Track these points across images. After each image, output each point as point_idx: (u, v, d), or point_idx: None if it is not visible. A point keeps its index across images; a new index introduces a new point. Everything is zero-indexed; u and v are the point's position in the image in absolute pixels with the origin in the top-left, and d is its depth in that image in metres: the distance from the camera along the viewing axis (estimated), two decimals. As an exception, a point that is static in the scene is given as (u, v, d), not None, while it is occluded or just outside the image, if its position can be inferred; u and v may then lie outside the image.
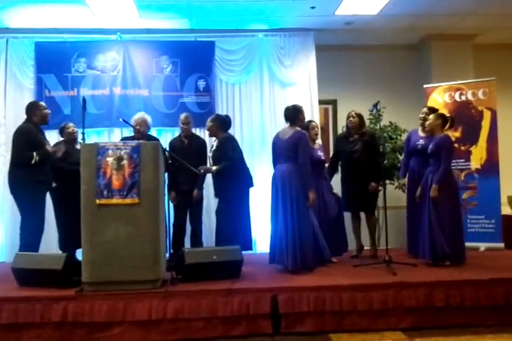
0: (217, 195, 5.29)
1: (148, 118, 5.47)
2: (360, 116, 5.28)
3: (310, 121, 5.31)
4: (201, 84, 6.52)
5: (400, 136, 6.38)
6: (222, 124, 5.25)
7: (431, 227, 4.58)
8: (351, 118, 5.31)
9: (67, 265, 3.96)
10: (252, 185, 5.38)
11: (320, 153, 5.16)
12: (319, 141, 5.56)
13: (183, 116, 5.53)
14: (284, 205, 4.49)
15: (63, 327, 3.65)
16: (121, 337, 3.64)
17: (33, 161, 4.63)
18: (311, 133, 5.11)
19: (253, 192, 5.70)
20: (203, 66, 6.55)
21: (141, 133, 5.26)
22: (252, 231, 5.39)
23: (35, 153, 4.64)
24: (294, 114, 4.65)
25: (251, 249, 5.24)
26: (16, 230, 4.96)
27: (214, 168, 5.06)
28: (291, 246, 4.39)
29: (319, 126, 5.53)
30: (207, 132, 5.48)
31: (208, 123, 5.30)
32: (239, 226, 5.10)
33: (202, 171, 5.02)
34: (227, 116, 5.43)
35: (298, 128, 4.62)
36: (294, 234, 4.40)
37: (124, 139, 5.40)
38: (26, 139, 4.73)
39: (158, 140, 5.29)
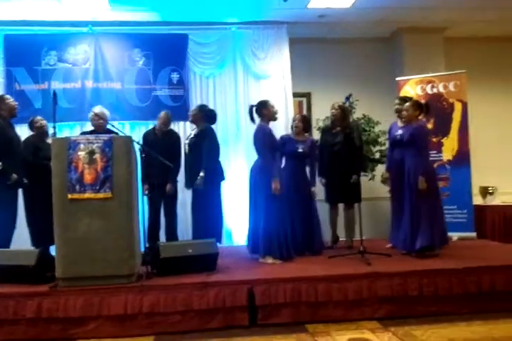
0: (187, 186, 5.32)
1: (107, 112, 5.38)
2: (342, 108, 5.30)
3: (295, 115, 5.39)
4: (174, 77, 6.47)
5: (373, 128, 6.43)
6: (206, 115, 5.33)
7: (415, 217, 4.61)
8: (333, 110, 5.36)
9: (40, 261, 3.90)
10: (223, 178, 5.39)
11: (297, 145, 5.14)
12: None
13: (164, 115, 5.48)
14: (254, 197, 4.69)
15: (38, 323, 3.60)
16: (97, 332, 3.61)
17: None
18: (292, 126, 5.24)
19: (228, 185, 5.72)
20: (176, 59, 6.51)
21: (102, 126, 5.19)
22: (223, 224, 5.45)
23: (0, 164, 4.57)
24: (257, 109, 4.77)
25: (220, 242, 5.23)
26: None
27: (201, 174, 5.06)
28: (263, 235, 4.53)
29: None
30: (184, 123, 5.47)
31: (194, 110, 5.39)
32: (212, 219, 5.15)
33: (198, 183, 5.08)
34: (213, 111, 5.49)
35: (260, 123, 4.74)
36: (266, 223, 4.53)
37: (83, 133, 5.29)
38: None
39: (117, 134, 5.21)
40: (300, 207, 5.01)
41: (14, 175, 4.65)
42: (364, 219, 4.76)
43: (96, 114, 5.13)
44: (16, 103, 4.92)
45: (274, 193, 4.52)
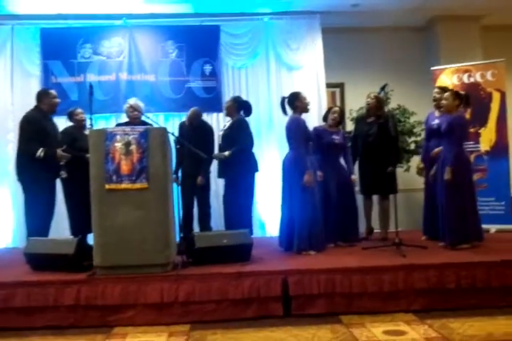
0: (220, 176, 5.38)
1: (141, 104, 5.44)
2: (377, 98, 5.24)
3: (332, 107, 5.38)
4: (207, 68, 6.49)
5: (408, 118, 6.33)
6: (241, 107, 5.35)
7: (447, 210, 4.55)
8: (368, 100, 5.32)
9: (79, 249, 3.99)
10: (257, 170, 5.40)
11: (335, 137, 5.12)
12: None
13: (191, 112, 5.44)
14: (287, 189, 4.67)
15: (76, 310, 3.68)
16: (134, 320, 3.67)
17: (36, 155, 4.65)
18: (329, 118, 5.18)
19: (261, 176, 5.73)
20: (208, 50, 6.52)
21: (137, 118, 5.24)
22: (252, 216, 5.50)
23: (41, 150, 4.65)
24: (289, 101, 4.76)
25: (251, 233, 5.26)
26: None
27: (226, 153, 5.12)
28: (295, 228, 4.53)
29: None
30: (217, 114, 5.53)
31: (229, 102, 5.41)
32: (244, 211, 5.19)
33: (217, 155, 5.13)
34: (248, 102, 5.49)
35: (292, 115, 4.72)
36: (298, 216, 4.53)
37: (118, 125, 5.36)
38: (33, 128, 4.74)
39: (151, 125, 5.25)
40: (338, 197, 4.97)
41: (59, 151, 4.75)
42: (399, 211, 4.69)
43: (131, 106, 5.19)
44: (59, 101, 5.02)
45: (307, 185, 4.51)
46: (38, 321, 3.67)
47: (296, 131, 4.66)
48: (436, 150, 4.83)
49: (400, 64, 7.00)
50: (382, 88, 4.77)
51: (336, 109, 5.31)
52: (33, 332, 3.57)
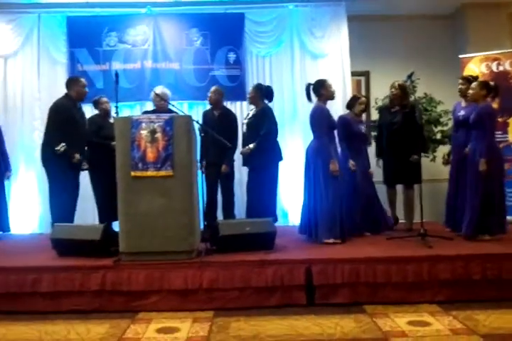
0: (245, 164, 5.39)
1: (168, 92, 5.45)
2: (402, 87, 5.16)
3: (360, 96, 5.32)
4: (231, 56, 6.47)
5: (435, 107, 6.24)
6: (264, 94, 5.32)
7: (473, 200, 4.49)
8: (393, 90, 5.23)
9: (105, 235, 4.05)
10: (281, 158, 5.39)
11: (360, 126, 5.10)
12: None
13: (212, 89, 5.53)
14: (311, 178, 4.61)
15: (102, 295, 3.74)
16: (159, 305, 3.72)
17: (56, 148, 4.70)
18: (356, 108, 5.13)
19: (284, 165, 5.71)
20: (233, 38, 6.50)
21: (163, 106, 5.25)
22: (277, 204, 5.49)
23: (62, 145, 4.70)
24: (315, 89, 4.70)
25: (276, 220, 5.28)
26: (53, 202, 5.08)
27: (251, 145, 5.13)
28: (319, 217, 4.49)
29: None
30: (241, 102, 5.55)
31: (251, 92, 5.38)
32: (268, 199, 5.20)
33: (244, 151, 5.17)
34: (269, 87, 5.47)
35: (317, 103, 4.67)
36: (323, 205, 4.47)
37: (145, 113, 5.40)
38: (61, 116, 4.79)
39: (177, 113, 5.26)
40: (363, 186, 4.95)
41: (77, 155, 4.78)
42: (425, 202, 4.64)
43: (157, 95, 5.19)
44: (87, 91, 5.06)
45: (332, 174, 4.47)
46: (64, 305, 3.74)
47: (319, 119, 4.62)
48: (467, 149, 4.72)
49: (427, 52, 6.88)
50: (409, 76, 4.70)
51: (364, 99, 5.26)
52: (58, 316, 3.63)
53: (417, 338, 3.12)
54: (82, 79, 5.11)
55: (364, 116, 5.31)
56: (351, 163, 4.86)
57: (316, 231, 4.53)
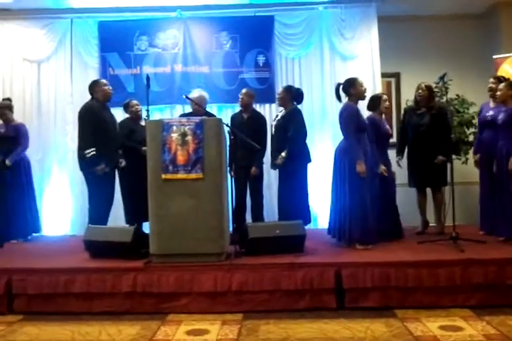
0: (273, 167, 5.39)
1: (206, 95, 5.49)
2: (429, 89, 5.12)
3: (381, 94, 5.24)
4: (261, 59, 6.48)
5: (468, 109, 6.13)
6: (294, 96, 5.31)
7: (506, 202, 4.40)
8: (420, 91, 5.17)
9: (136, 237, 4.11)
10: (310, 160, 5.38)
11: (387, 127, 5.07)
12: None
13: (243, 91, 5.56)
14: (338, 179, 4.57)
15: (133, 297, 3.79)
16: (188, 307, 3.75)
17: (85, 152, 4.75)
18: (382, 106, 5.03)
19: (313, 167, 5.69)
20: (262, 41, 6.49)
21: (200, 110, 5.28)
22: (309, 206, 5.45)
23: (91, 151, 4.74)
24: (345, 88, 4.61)
25: (309, 222, 5.27)
26: (85, 204, 5.16)
27: (283, 154, 5.10)
28: (347, 220, 4.41)
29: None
30: (270, 105, 5.66)
31: (281, 92, 5.38)
32: (299, 202, 5.17)
33: (278, 162, 5.13)
34: (299, 89, 5.46)
35: (346, 102, 4.60)
36: (351, 208, 4.40)
37: (182, 116, 5.45)
38: (91, 119, 4.85)
39: (215, 116, 5.30)
40: (384, 190, 4.86)
41: (102, 166, 4.80)
42: (457, 204, 4.57)
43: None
44: (110, 88, 5.10)
45: (360, 176, 4.37)
46: (96, 307, 3.80)
47: (347, 119, 4.48)
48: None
49: (459, 53, 6.76)
50: (442, 77, 4.63)
51: (386, 96, 5.19)
52: (91, 317, 3.70)
53: (449, 343, 3.08)
54: (102, 80, 5.20)
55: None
56: (382, 168, 4.77)
57: (344, 235, 4.46)
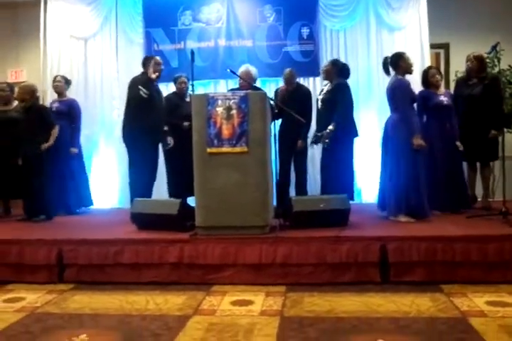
0: (318, 141, 5.31)
1: (253, 70, 5.46)
2: (479, 59, 4.94)
3: (429, 68, 5.16)
4: (305, 31, 6.37)
5: (520, 80, 5.89)
6: (340, 70, 5.24)
7: None
8: (469, 63, 5.01)
9: (182, 210, 4.17)
10: (357, 135, 5.30)
11: (443, 98, 4.94)
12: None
13: (287, 72, 5.47)
14: (388, 153, 4.50)
15: (179, 268, 3.87)
16: (233, 279, 3.80)
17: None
18: (432, 81, 4.98)
19: (359, 141, 5.61)
20: (306, 13, 6.38)
21: (247, 84, 5.26)
22: (354, 181, 5.41)
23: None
24: (393, 61, 4.56)
25: (353, 199, 5.22)
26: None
27: (330, 127, 5.01)
28: (396, 193, 4.37)
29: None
30: (314, 78, 5.57)
31: (327, 66, 5.32)
32: (344, 176, 5.11)
33: (326, 141, 5.04)
34: (346, 64, 5.39)
35: (396, 76, 4.52)
36: (399, 181, 4.35)
37: (231, 90, 5.45)
38: (139, 91, 4.88)
39: (263, 91, 5.28)
40: (447, 162, 4.81)
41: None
42: (508, 179, 4.44)
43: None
44: (162, 69, 5.09)
45: (418, 149, 4.31)
46: (143, 277, 3.89)
47: (402, 92, 4.43)
48: None
49: (511, 22, 6.46)
50: (494, 47, 4.46)
51: (433, 71, 5.07)
52: (139, 287, 3.79)
53: (497, 319, 3.01)
54: (157, 57, 5.19)
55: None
56: (458, 143, 4.81)
57: (390, 208, 4.46)
